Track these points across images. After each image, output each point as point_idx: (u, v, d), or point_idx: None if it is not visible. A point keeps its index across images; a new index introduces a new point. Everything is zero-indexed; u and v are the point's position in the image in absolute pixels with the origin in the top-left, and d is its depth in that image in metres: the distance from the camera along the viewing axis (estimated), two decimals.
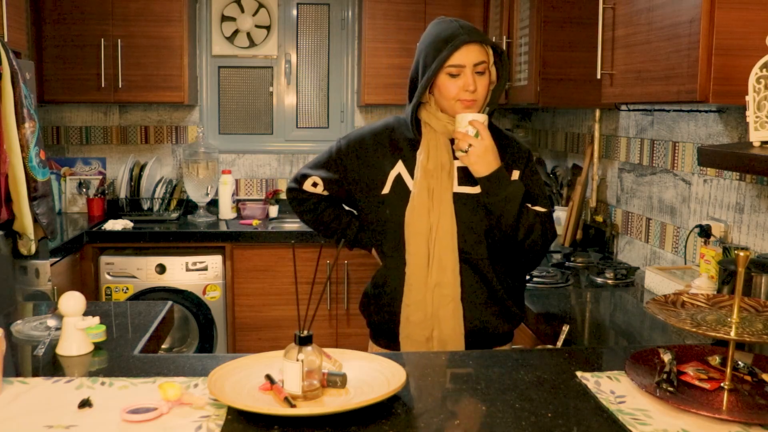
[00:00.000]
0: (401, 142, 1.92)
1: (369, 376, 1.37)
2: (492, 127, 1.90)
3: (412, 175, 1.88)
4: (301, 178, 2.04)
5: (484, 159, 1.79)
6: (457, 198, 1.86)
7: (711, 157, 1.78)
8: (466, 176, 1.86)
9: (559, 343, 1.76)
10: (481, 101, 1.87)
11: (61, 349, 1.60)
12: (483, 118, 1.81)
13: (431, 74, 1.82)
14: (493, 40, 3.63)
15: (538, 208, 1.88)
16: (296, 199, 2.07)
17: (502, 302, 1.89)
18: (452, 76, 1.82)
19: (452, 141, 1.87)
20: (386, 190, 1.90)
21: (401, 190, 1.88)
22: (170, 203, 4.15)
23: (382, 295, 1.92)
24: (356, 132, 2.01)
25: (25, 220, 2.51)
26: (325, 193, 2.01)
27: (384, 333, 1.94)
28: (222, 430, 1.20)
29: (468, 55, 1.81)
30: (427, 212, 1.84)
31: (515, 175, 1.90)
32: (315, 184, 2.01)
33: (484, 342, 1.89)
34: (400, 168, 1.90)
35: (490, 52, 1.85)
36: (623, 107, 2.87)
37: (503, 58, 1.87)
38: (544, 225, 1.87)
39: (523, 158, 1.92)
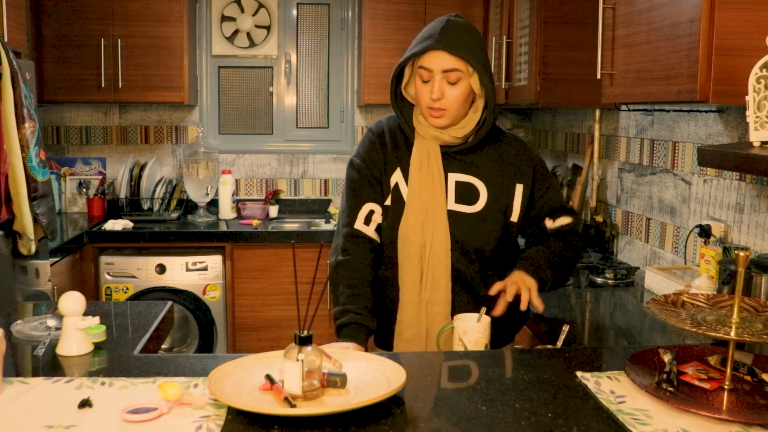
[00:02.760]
0: (399, 144, 1.89)
1: (369, 376, 1.37)
2: (497, 132, 1.90)
3: (407, 183, 1.84)
4: (351, 219, 1.84)
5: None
6: (452, 215, 1.82)
7: (711, 157, 1.78)
8: (462, 195, 1.83)
9: (559, 343, 1.76)
10: (454, 113, 1.79)
11: (61, 349, 1.60)
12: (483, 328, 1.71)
13: (396, 68, 1.82)
14: (493, 40, 3.63)
15: (561, 222, 1.89)
16: (345, 250, 1.83)
17: (494, 318, 1.82)
18: (423, 81, 1.79)
19: (450, 152, 1.85)
20: (388, 201, 1.85)
21: (398, 202, 1.84)
22: (170, 203, 4.15)
23: (378, 309, 1.87)
24: (361, 146, 1.92)
25: (25, 220, 2.51)
26: (382, 221, 1.86)
27: (381, 341, 1.92)
28: (222, 430, 1.20)
29: (436, 61, 1.76)
30: (421, 229, 1.80)
31: (519, 189, 1.86)
32: (372, 212, 1.84)
33: None
34: (398, 176, 1.85)
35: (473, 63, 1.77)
36: (623, 107, 2.87)
37: (482, 78, 1.77)
38: (571, 234, 1.89)
39: (529, 169, 1.88)
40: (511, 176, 1.86)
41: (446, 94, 1.77)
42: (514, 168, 1.87)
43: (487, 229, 1.83)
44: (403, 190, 1.84)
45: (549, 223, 1.91)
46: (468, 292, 1.85)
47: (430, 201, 1.81)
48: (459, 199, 1.83)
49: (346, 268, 1.81)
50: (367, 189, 1.86)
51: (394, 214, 1.84)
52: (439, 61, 1.76)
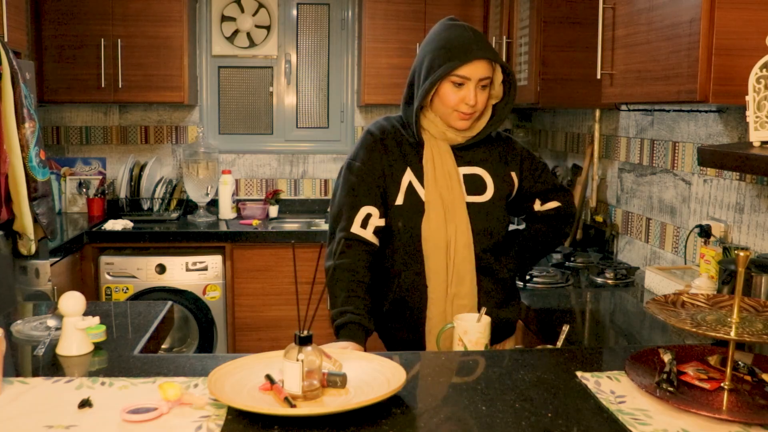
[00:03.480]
0: (404, 145, 1.90)
1: (369, 376, 1.37)
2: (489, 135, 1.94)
3: (421, 183, 1.86)
4: (348, 223, 1.84)
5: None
6: (468, 207, 1.86)
7: (711, 157, 1.78)
8: (472, 186, 1.88)
9: (559, 343, 1.76)
10: (477, 114, 1.87)
11: (61, 349, 1.60)
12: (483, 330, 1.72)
13: (435, 79, 1.79)
14: (493, 40, 3.63)
15: (549, 206, 1.99)
16: (343, 252, 1.83)
17: (512, 294, 1.97)
18: (456, 85, 1.81)
19: (453, 147, 1.88)
20: (400, 200, 1.86)
21: (414, 200, 1.85)
22: (170, 203, 4.15)
23: (404, 311, 1.89)
24: (361, 149, 1.90)
25: (25, 220, 2.51)
26: (381, 223, 1.85)
27: (407, 347, 1.91)
28: (222, 430, 1.20)
29: (476, 70, 1.80)
30: (444, 225, 1.83)
31: (514, 176, 1.95)
32: (369, 216, 1.84)
33: (498, 336, 1.93)
34: (410, 176, 1.87)
35: (498, 68, 1.85)
36: (623, 107, 2.87)
37: (511, 78, 1.87)
38: (560, 218, 1.99)
39: (516, 157, 1.96)
40: (506, 165, 1.93)
41: (478, 99, 1.83)
42: (505, 158, 1.94)
43: (498, 215, 1.91)
44: (418, 189, 1.86)
45: (537, 206, 2.01)
46: (491, 277, 1.90)
47: (448, 196, 1.84)
48: (470, 191, 1.88)
49: (343, 271, 1.81)
50: (365, 192, 1.86)
51: (412, 214, 1.85)
52: (479, 70, 1.80)
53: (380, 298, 1.92)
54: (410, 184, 1.86)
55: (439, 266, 1.83)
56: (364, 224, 1.84)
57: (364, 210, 1.85)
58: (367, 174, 1.87)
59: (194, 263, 3.67)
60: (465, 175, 1.88)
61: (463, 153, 1.90)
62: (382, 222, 1.86)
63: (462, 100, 1.81)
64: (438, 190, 1.84)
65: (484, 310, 1.74)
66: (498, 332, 1.92)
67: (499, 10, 3.66)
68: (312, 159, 4.46)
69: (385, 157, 1.88)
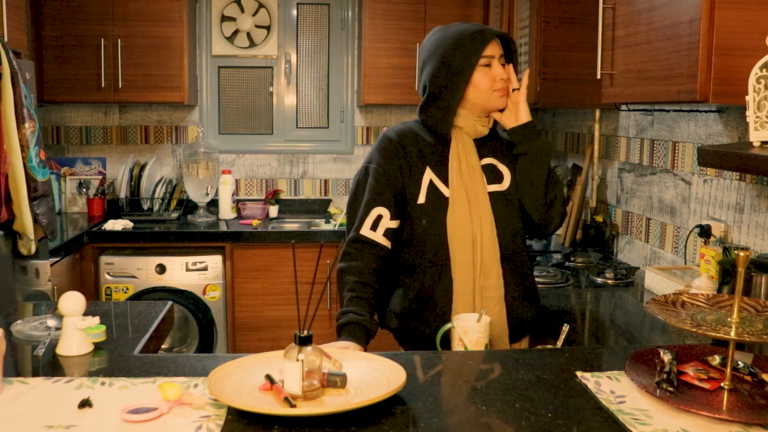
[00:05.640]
0: (423, 146, 1.91)
1: (369, 376, 1.37)
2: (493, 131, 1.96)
3: (442, 180, 1.87)
4: (359, 224, 1.86)
5: (516, 110, 1.88)
6: (490, 197, 1.88)
7: (711, 157, 1.78)
8: (491, 175, 1.90)
9: (559, 343, 1.76)
10: (511, 88, 1.91)
11: (61, 349, 1.60)
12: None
13: (469, 65, 1.83)
14: None
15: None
16: (349, 254, 1.85)
17: (533, 289, 1.96)
18: (485, 67, 1.85)
19: (476, 140, 1.91)
20: (422, 199, 1.87)
21: (436, 197, 1.86)
22: (170, 203, 4.15)
23: (428, 307, 1.86)
24: (378, 153, 1.92)
25: (25, 220, 2.51)
26: (393, 225, 1.87)
27: (429, 345, 1.87)
28: (222, 430, 1.20)
29: (495, 47, 1.86)
30: (469, 218, 1.84)
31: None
32: (380, 217, 1.85)
33: (522, 331, 1.94)
34: (430, 175, 1.88)
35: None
36: (623, 107, 2.87)
37: (513, 46, 1.93)
38: (562, 192, 1.97)
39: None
40: (510, 158, 1.94)
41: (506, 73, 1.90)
42: (512, 151, 1.95)
43: (517, 204, 1.92)
44: (440, 186, 1.87)
45: None
46: (514, 270, 1.90)
47: (472, 189, 1.86)
48: (490, 180, 1.90)
49: (349, 273, 1.83)
50: (377, 194, 1.87)
51: (435, 210, 1.86)
52: (496, 47, 1.87)
53: (402, 297, 1.90)
54: (431, 182, 1.87)
55: (465, 259, 1.84)
56: (374, 226, 1.85)
57: (376, 211, 1.86)
58: (381, 176, 1.88)
59: (194, 263, 3.67)
60: (482, 166, 1.91)
61: (477, 145, 1.93)
62: (394, 224, 1.87)
63: (495, 78, 1.86)
64: (463, 183, 1.86)
65: (484, 309, 1.74)
66: (518, 330, 1.93)
67: (499, 10, 3.66)
68: (312, 159, 4.46)
69: (403, 159, 1.89)
